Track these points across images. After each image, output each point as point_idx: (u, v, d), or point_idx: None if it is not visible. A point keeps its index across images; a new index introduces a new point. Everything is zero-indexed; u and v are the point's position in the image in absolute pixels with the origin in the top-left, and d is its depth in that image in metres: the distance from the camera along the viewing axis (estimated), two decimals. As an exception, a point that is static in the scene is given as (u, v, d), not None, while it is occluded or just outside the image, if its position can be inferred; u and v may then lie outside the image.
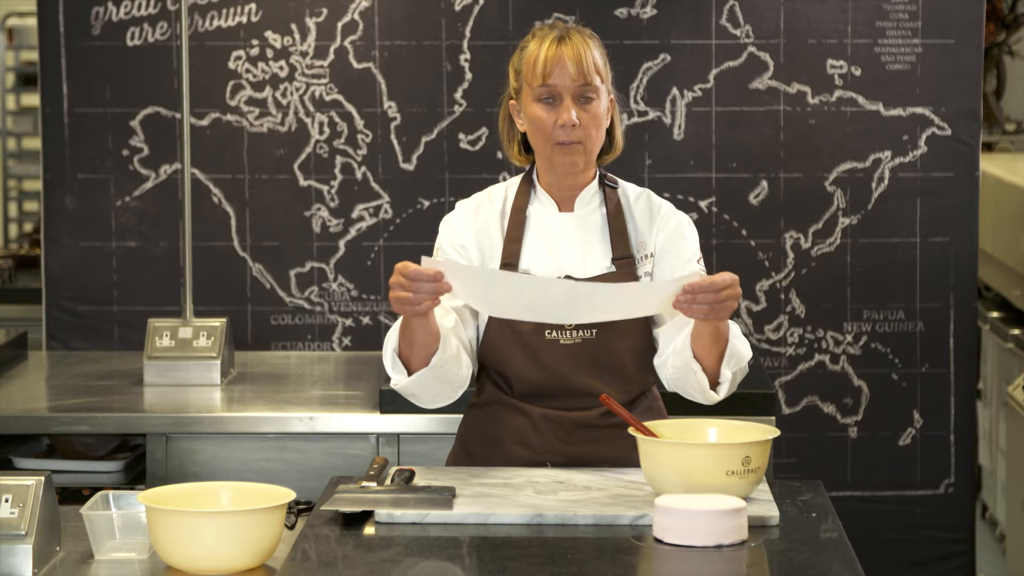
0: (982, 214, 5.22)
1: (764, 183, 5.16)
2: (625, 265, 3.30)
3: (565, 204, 3.34)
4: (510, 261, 3.30)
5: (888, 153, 5.15)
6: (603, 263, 3.31)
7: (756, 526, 2.88)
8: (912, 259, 5.16)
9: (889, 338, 5.19)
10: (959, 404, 5.20)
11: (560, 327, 3.26)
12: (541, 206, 3.35)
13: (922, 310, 5.18)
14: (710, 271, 5.33)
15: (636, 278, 3.30)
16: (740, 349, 3.23)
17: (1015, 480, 5.66)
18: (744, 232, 5.16)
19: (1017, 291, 6.11)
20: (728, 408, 4.13)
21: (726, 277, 3.06)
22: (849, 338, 5.19)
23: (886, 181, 5.16)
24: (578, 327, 3.26)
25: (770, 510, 2.94)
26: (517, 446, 3.29)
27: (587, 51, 3.25)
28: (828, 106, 5.13)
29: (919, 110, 5.13)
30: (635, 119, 5.12)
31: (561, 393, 3.28)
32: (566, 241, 3.32)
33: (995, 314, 6.34)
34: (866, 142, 5.14)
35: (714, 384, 3.24)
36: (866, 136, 5.14)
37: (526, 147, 3.37)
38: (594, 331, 3.26)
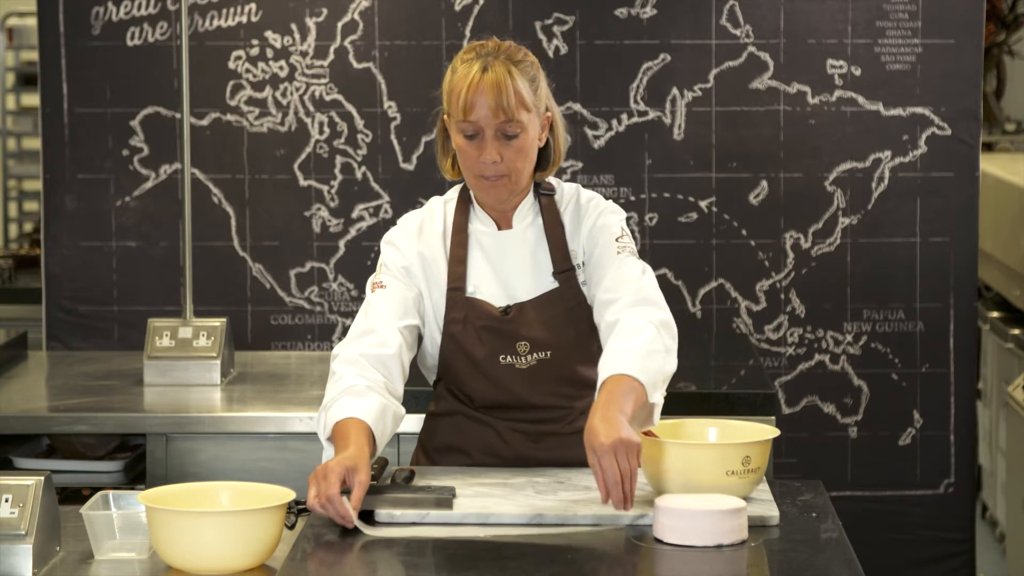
0: (982, 214, 5.22)
1: (764, 183, 5.16)
2: (567, 279, 3.24)
3: (503, 221, 3.28)
4: (456, 285, 3.24)
5: (888, 153, 5.15)
6: (547, 280, 3.25)
7: (756, 526, 2.88)
8: (912, 259, 5.16)
9: (889, 338, 5.19)
10: (959, 404, 5.20)
11: (515, 352, 3.23)
12: (481, 224, 3.28)
13: (922, 310, 5.18)
14: (710, 271, 5.34)
15: (579, 289, 3.24)
16: (663, 370, 3.05)
17: (1015, 480, 5.66)
18: (744, 232, 5.16)
19: (1017, 291, 6.11)
20: (728, 408, 4.14)
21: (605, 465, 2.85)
22: (849, 338, 5.19)
23: (886, 181, 5.15)
24: (532, 350, 3.22)
25: (770, 510, 2.94)
26: (485, 455, 3.28)
27: (508, 84, 3.12)
28: (828, 106, 5.13)
29: (919, 110, 5.13)
30: (635, 119, 5.12)
31: (524, 407, 3.26)
32: (509, 261, 3.25)
33: (995, 314, 6.34)
34: (866, 142, 5.14)
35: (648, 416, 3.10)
36: (866, 136, 5.14)
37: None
38: (549, 352, 3.22)
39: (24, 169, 9.70)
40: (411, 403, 4.13)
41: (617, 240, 3.22)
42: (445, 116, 3.26)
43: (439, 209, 3.32)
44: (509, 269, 3.26)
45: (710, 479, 2.95)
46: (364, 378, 3.12)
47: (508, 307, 3.23)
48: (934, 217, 5.15)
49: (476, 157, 3.17)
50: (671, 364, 3.09)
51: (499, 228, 3.27)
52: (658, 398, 3.06)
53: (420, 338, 3.28)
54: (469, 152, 3.18)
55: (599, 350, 3.17)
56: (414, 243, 3.28)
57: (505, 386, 3.24)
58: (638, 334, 3.06)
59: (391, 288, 3.24)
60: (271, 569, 2.81)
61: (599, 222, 3.24)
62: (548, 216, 3.26)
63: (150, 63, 5.14)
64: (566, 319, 3.23)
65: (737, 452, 2.98)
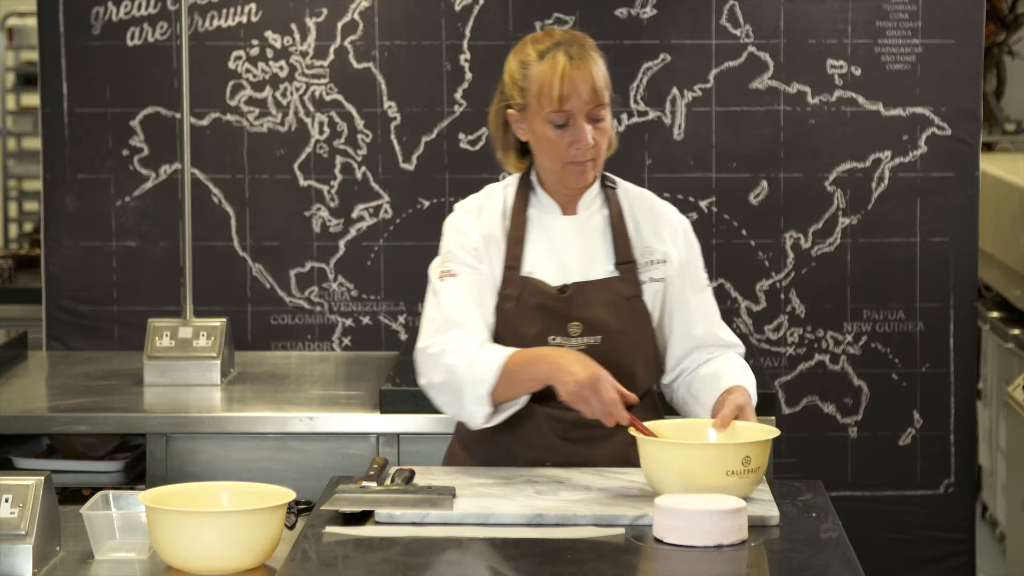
0: (982, 214, 5.22)
1: (764, 183, 5.16)
2: (627, 271, 3.30)
3: (567, 207, 3.33)
4: (513, 264, 3.28)
5: (888, 153, 5.15)
6: (606, 267, 3.30)
7: (756, 526, 2.88)
8: (912, 259, 5.16)
9: (889, 338, 5.19)
10: (959, 404, 5.20)
11: (565, 333, 3.26)
12: (543, 208, 3.33)
13: (922, 310, 5.18)
14: (710, 271, 5.34)
15: (638, 283, 3.30)
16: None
17: (1015, 480, 5.66)
18: (744, 232, 5.16)
19: (1017, 291, 6.12)
20: (728, 408, 4.13)
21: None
22: (849, 338, 5.19)
23: (886, 181, 5.16)
24: (584, 333, 3.26)
25: (770, 510, 2.94)
26: (519, 445, 3.29)
27: (597, 70, 3.21)
28: (828, 106, 5.13)
29: (919, 110, 5.13)
30: (635, 119, 5.12)
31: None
32: (569, 245, 3.31)
33: (995, 314, 6.34)
34: (866, 142, 5.14)
35: None
36: (866, 136, 5.14)
37: (522, 153, 3.34)
38: (599, 337, 3.26)
39: (24, 169, 9.70)
40: (411, 404, 4.14)
41: (703, 268, 3.40)
42: (510, 110, 3.28)
43: (498, 192, 3.36)
44: (569, 253, 3.30)
45: (710, 479, 2.95)
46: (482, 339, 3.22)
47: (565, 286, 3.27)
48: (934, 217, 5.15)
49: (567, 144, 3.22)
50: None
51: (563, 213, 3.32)
52: None
53: None
54: (559, 141, 3.23)
55: (650, 355, 3.29)
56: (476, 224, 3.32)
57: None
58: (749, 374, 3.36)
59: (462, 276, 3.27)
60: (271, 569, 2.81)
61: (692, 242, 3.39)
62: (613, 207, 3.33)
63: (150, 63, 5.14)
64: (621, 308, 3.28)
65: (737, 452, 2.98)
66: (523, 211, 3.32)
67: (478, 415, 3.19)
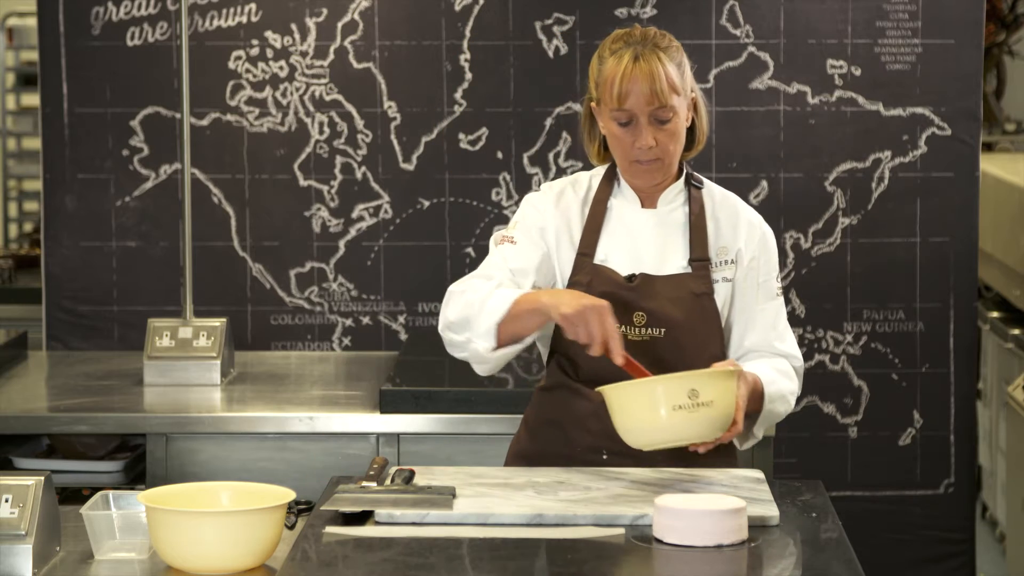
0: (982, 214, 5.22)
1: (764, 183, 5.16)
2: (700, 267, 3.30)
3: (648, 200, 3.35)
4: (586, 251, 3.30)
5: (888, 153, 5.15)
6: (680, 263, 3.30)
7: (756, 526, 2.88)
8: (912, 259, 5.16)
9: (889, 338, 5.19)
10: (959, 404, 5.20)
11: (630, 323, 3.26)
12: (624, 200, 3.35)
13: (922, 310, 5.18)
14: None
15: (710, 281, 3.30)
16: (776, 411, 3.32)
17: (1015, 480, 5.66)
18: (744, 232, 5.15)
19: (1017, 291, 6.12)
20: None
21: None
22: (849, 338, 5.19)
23: (886, 181, 5.16)
24: (648, 324, 3.26)
25: (770, 510, 2.94)
26: (577, 430, 3.29)
27: (660, 70, 3.20)
28: (828, 106, 5.13)
29: (919, 110, 5.13)
30: (635, 119, 5.12)
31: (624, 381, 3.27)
32: (645, 237, 3.31)
33: (995, 314, 6.34)
34: (866, 142, 5.14)
35: (746, 436, 3.33)
36: (866, 136, 5.14)
37: (606, 146, 3.36)
38: (663, 330, 3.25)
39: (24, 169, 9.70)
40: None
41: (777, 280, 3.38)
42: (592, 104, 3.31)
43: (584, 179, 3.39)
44: (644, 245, 3.31)
45: (657, 418, 2.93)
46: (501, 281, 3.25)
47: (634, 275, 3.28)
48: (934, 217, 5.15)
49: (631, 143, 3.24)
50: (785, 415, 3.39)
51: (643, 206, 3.34)
52: (759, 433, 3.35)
53: None
54: (623, 139, 3.25)
55: (718, 352, 3.29)
56: (552, 207, 3.34)
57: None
58: (789, 380, 3.37)
59: (520, 244, 3.31)
60: (271, 569, 2.81)
61: (770, 246, 3.37)
62: (695, 206, 3.33)
63: (150, 63, 5.14)
64: (689, 304, 3.27)
65: (681, 384, 2.94)
66: (605, 201, 3.34)
67: (481, 347, 3.20)
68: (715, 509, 2.78)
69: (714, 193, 3.39)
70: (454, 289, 3.28)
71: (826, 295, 5.18)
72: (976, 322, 5.40)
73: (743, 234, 3.35)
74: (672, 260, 3.31)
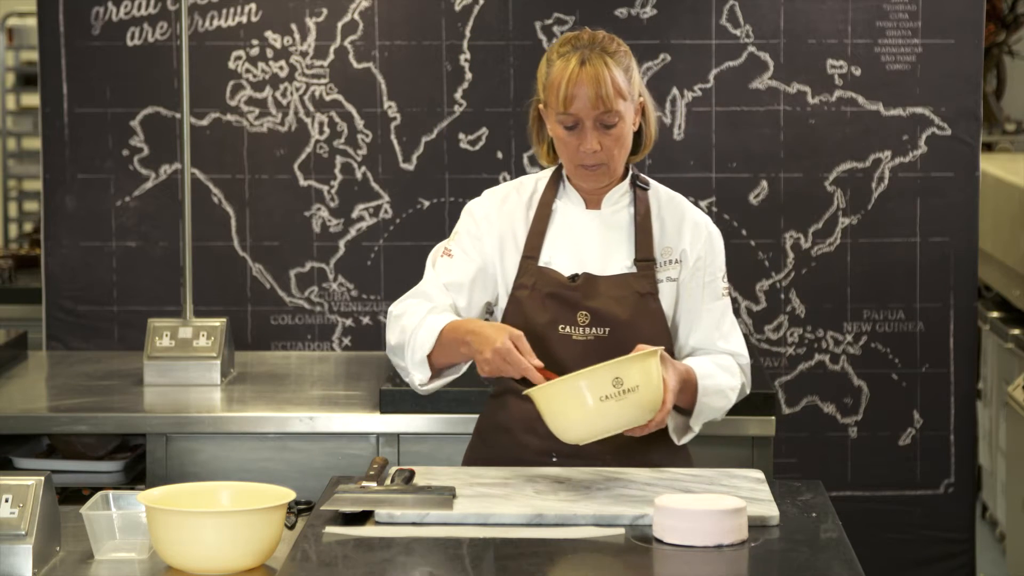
0: (982, 214, 5.22)
1: (764, 183, 5.16)
2: (645, 268, 3.31)
3: (593, 202, 3.36)
4: (531, 254, 3.32)
5: (888, 153, 5.15)
6: (624, 263, 3.32)
7: (756, 526, 2.88)
8: (912, 259, 5.16)
9: (889, 338, 5.19)
10: (959, 404, 5.20)
11: (574, 322, 3.27)
12: (569, 202, 3.37)
13: (922, 310, 5.18)
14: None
15: (655, 281, 3.32)
16: (713, 405, 3.30)
17: (1015, 480, 5.66)
18: (744, 232, 5.16)
19: (1017, 291, 6.11)
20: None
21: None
22: (849, 338, 5.19)
23: (886, 181, 5.16)
24: (591, 323, 3.27)
25: (770, 510, 2.94)
26: (526, 434, 3.31)
27: (607, 75, 3.21)
28: (828, 106, 5.13)
29: (919, 110, 5.13)
30: (635, 119, 5.12)
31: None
32: (589, 238, 3.34)
33: (995, 314, 6.34)
34: (866, 142, 5.14)
35: (683, 430, 3.31)
36: (866, 136, 5.14)
37: (555, 148, 3.37)
38: (607, 329, 3.27)
39: (24, 169, 9.70)
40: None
41: (723, 279, 3.39)
42: (540, 106, 3.33)
43: (529, 183, 3.41)
44: (587, 246, 3.33)
45: (587, 411, 2.95)
46: (434, 306, 3.30)
47: (576, 275, 3.30)
48: (934, 217, 5.15)
49: (576, 147, 3.26)
50: (725, 410, 3.35)
51: (587, 207, 3.36)
52: (697, 428, 3.32)
53: (491, 312, 3.38)
54: (569, 142, 3.26)
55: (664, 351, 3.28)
56: (494, 214, 3.37)
57: (558, 358, 3.25)
58: (730, 376, 3.34)
59: (456, 258, 3.35)
60: (271, 569, 2.81)
61: (716, 247, 3.38)
62: (640, 207, 3.35)
63: (150, 63, 5.14)
64: (634, 304, 3.29)
65: (604, 374, 2.95)
66: (550, 203, 3.36)
67: (416, 379, 3.28)
68: (715, 509, 2.78)
69: (660, 194, 3.40)
70: (393, 311, 3.33)
71: (826, 295, 5.18)
72: (976, 322, 5.40)
73: (688, 235, 3.36)
74: (616, 260, 3.33)
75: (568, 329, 3.28)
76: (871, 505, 5.19)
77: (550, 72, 3.27)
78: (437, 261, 3.37)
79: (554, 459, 3.28)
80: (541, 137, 3.38)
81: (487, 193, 3.41)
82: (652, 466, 3.26)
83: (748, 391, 3.43)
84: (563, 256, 3.32)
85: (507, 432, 3.35)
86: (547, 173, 3.41)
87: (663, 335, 3.32)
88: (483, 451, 3.39)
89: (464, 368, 3.30)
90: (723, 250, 3.41)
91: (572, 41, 3.27)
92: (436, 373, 3.28)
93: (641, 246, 3.32)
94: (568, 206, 3.36)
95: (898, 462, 5.20)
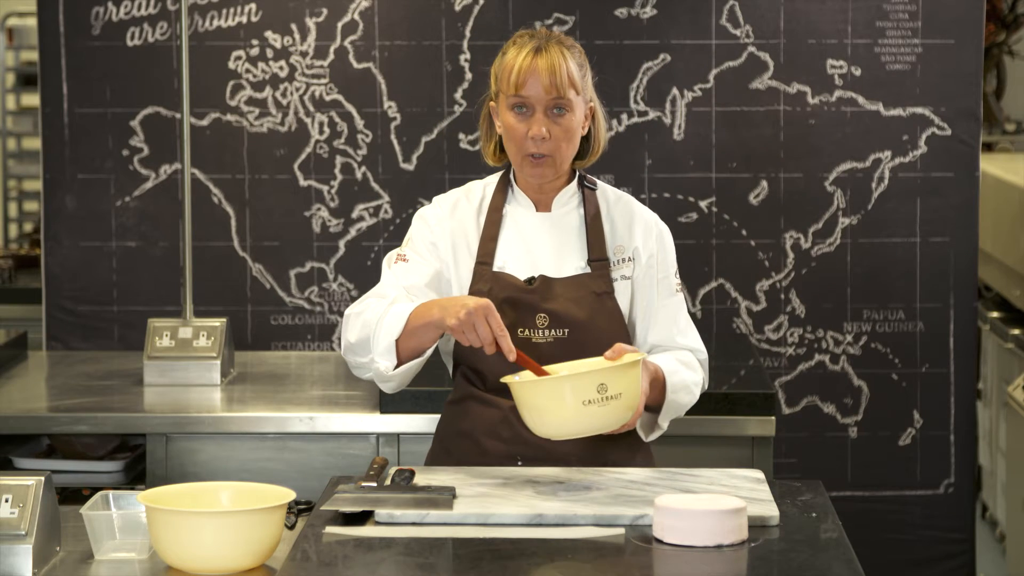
0: (982, 214, 5.22)
1: (764, 183, 5.16)
2: (600, 267, 3.34)
3: (542, 204, 3.38)
4: (484, 260, 3.33)
5: (888, 153, 5.15)
6: (578, 264, 3.34)
7: (756, 526, 2.88)
8: (912, 259, 5.16)
9: (889, 338, 5.19)
10: (959, 404, 5.20)
11: (533, 325, 3.28)
12: (518, 205, 3.39)
13: (922, 310, 5.18)
14: (710, 271, 5.34)
15: (610, 280, 3.33)
16: (679, 401, 3.32)
17: (1015, 480, 5.66)
18: (744, 232, 5.16)
19: (1017, 291, 6.12)
20: (728, 408, 4.14)
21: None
22: (849, 338, 5.19)
23: (886, 181, 5.16)
24: (551, 325, 3.28)
25: (770, 510, 2.94)
26: (489, 439, 3.31)
27: (562, 63, 3.25)
28: (828, 106, 5.13)
29: (919, 110, 5.13)
30: (635, 119, 5.12)
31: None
32: (542, 241, 3.35)
33: (995, 314, 6.34)
34: (866, 142, 5.14)
35: (650, 427, 3.33)
36: (866, 136, 5.14)
37: (502, 148, 3.39)
38: (566, 330, 3.28)
39: (24, 169, 9.71)
40: (421, 404, 4.15)
41: (675, 275, 3.41)
42: (491, 102, 3.36)
43: (477, 189, 3.43)
44: (541, 249, 3.34)
45: (567, 413, 2.95)
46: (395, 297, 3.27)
47: (533, 278, 3.31)
48: (934, 217, 5.15)
49: (524, 132, 3.27)
50: (690, 405, 3.38)
51: (537, 210, 3.37)
52: (665, 424, 3.33)
53: None
54: (518, 128, 3.28)
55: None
56: (446, 220, 3.38)
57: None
58: (693, 371, 3.37)
59: (412, 262, 3.35)
60: (271, 569, 2.81)
61: (667, 244, 3.40)
62: (590, 207, 3.37)
63: (150, 63, 5.14)
64: (591, 304, 3.31)
65: (590, 380, 2.96)
66: (500, 208, 3.38)
67: (383, 366, 3.23)
68: (715, 509, 2.78)
69: (608, 194, 3.42)
70: (351, 311, 3.30)
71: (826, 295, 5.18)
72: (976, 322, 5.40)
73: (639, 233, 3.38)
74: (570, 261, 3.34)
75: (528, 332, 3.29)
76: (871, 505, 5.19)
77: (504, 60, 3.31)
78: (392, 266, 3.36)
79: (519, 463, 3.28)
80: (490, 135, 3.40)
81: (437, 200, 3.43)
82: (613, 465, 3.27)
83: (706, 386, 3.45)
84: (517, 260, 3.33)
85: (469, 437, 3.34)
86: (494, 178, 3.42)
87: (621, 333, 3.33)
88: (445, 458, 3.38)
89: (428, 354, 3.25)
90: (673, 247, 3.43)
91: (529, 33, 3.33)
92: (400, 363, 3.25)
93: (594, 246, 3.34)
94: (518, 210, 3.37)
95: (898, 462, 5.20)
